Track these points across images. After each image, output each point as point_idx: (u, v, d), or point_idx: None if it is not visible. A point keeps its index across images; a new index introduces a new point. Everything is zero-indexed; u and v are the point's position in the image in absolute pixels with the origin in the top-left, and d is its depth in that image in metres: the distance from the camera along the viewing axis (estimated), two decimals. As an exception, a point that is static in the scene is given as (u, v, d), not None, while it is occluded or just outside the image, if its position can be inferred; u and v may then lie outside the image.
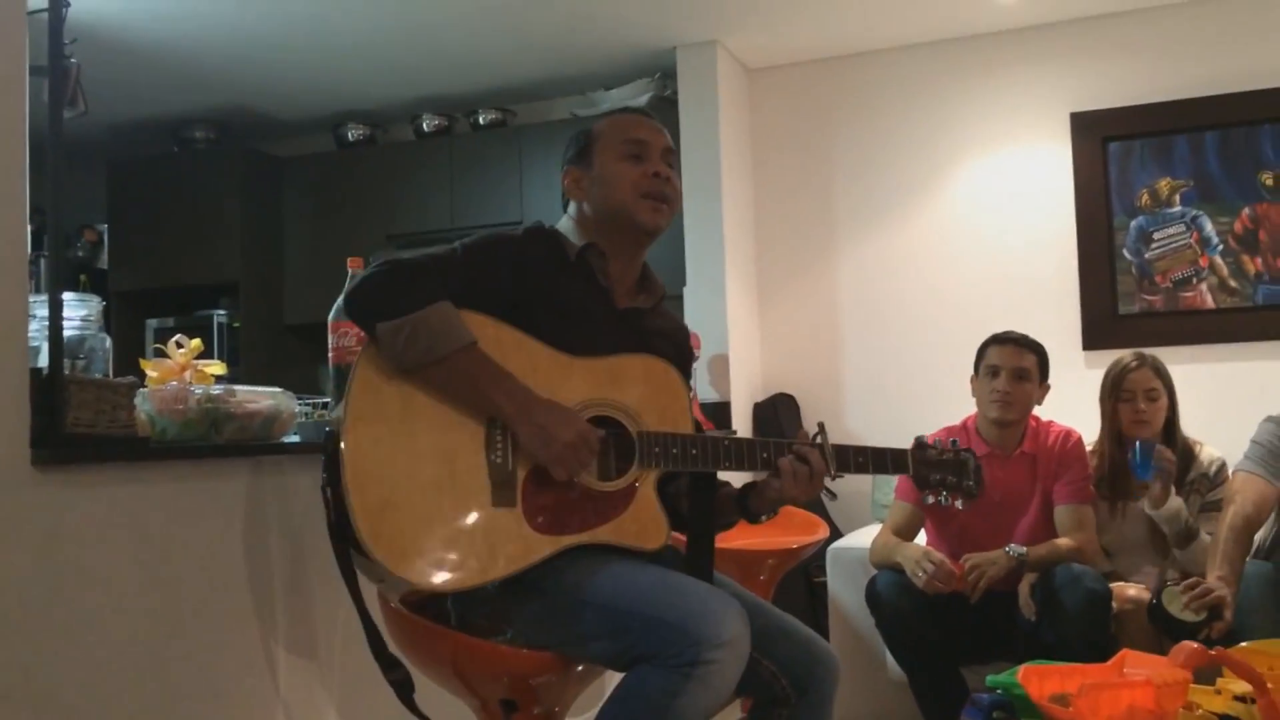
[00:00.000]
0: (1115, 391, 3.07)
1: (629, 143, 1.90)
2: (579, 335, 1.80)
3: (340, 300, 1.68)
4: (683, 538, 1.91)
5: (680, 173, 1.98)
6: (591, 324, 1.83)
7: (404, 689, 1.72)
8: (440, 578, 1.63)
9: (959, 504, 1.97)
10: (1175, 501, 2.88)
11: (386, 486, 1.62)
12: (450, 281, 1.72)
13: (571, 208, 1.96)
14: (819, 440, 1.86)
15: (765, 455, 1.84)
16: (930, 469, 1.95)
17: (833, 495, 1.97)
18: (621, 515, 1.76)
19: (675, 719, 1.55)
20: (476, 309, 1.73)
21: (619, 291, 1.93)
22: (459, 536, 1.64)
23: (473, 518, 1.66)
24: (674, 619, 1.58)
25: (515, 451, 1.71)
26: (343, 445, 1.61)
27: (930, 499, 1.96)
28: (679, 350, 2.01)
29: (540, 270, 1.83)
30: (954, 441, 2.02)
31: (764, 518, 1.93)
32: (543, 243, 1.88)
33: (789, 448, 1.83)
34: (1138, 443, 2.88)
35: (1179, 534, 2.89)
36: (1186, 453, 3.07)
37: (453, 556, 1.63)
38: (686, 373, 2.00)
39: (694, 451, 1.80)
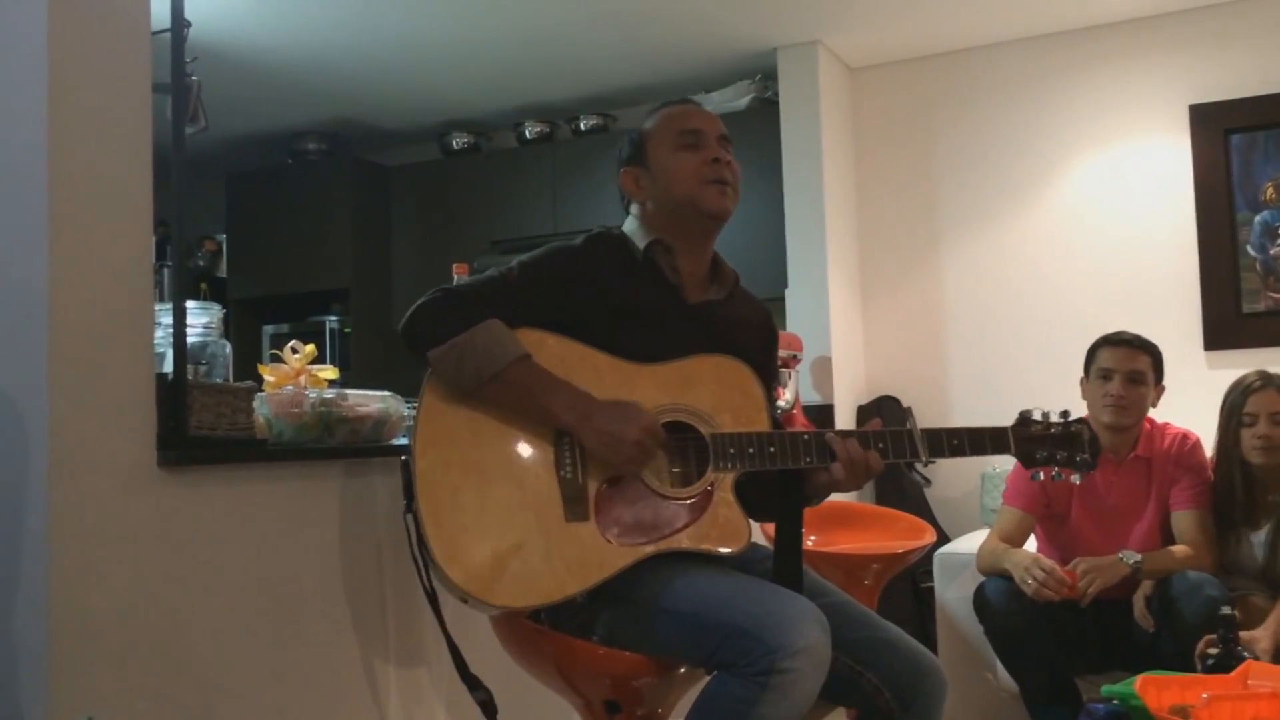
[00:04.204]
0: (1235, 415, 2.82)
1: (684, 133, 1.88)
2: (650, 339, 1.78)
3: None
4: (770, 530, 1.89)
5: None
6: (662, 325, 1.81)
7: (488, 710, 1.75)
8: (518, 597, 1.65)
9: (1075, 478, 1.86)
10: None
11: (460, 511, 1.64)
12: (508, 302, 1.72)
13: (634, 209, 1.94)
14: (909, 426, 1.81)
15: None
16: (1036, 445, 1.86)
17: (927, 481, 1.94)
18: (700, 520, 1.73)
19: None
20: (539, 326, 1.73)
21: (690, 286, 1.89)
22: (534, 555, 1.65)
23: (547, 535, 1.67)
24: (749, 626, 1.56)
25: (585, 465, 1.71)
26: (415, 477, 1.64)
27: (1040, 475, 1.87)
28: (762, 337, 1.97)
29: (604, 277, 1.81)
30: (1065, 412, 1.91)
31: (814, 501, 1.88)
32: (606, 248, 1.86)
33: (860, 439, 1.78)
34: None
35: None
36: None
37: (529, 575, 1.64)
38: (774, 356, 1.96)
39: (771, 449, 1.76)
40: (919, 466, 1.88)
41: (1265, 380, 2.82)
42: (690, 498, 1.74)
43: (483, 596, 1.62)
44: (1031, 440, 1.86)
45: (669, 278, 1.86)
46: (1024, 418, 1.88)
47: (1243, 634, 2.43)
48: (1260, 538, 2.83)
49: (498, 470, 1.68)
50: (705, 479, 1.75)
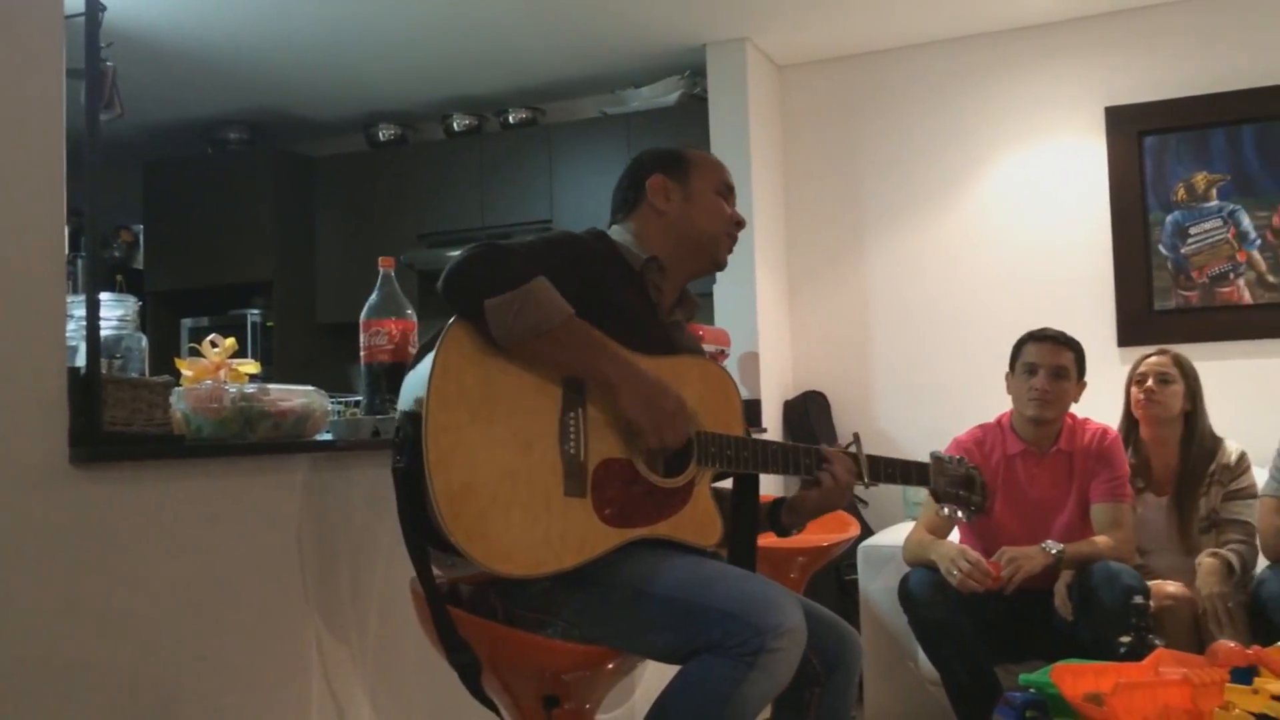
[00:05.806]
0: (1130, 376, 3.18)
1: (726, 185, 2.04)
2: (632, 338, 1.83)
3: (439, 283, 1.70)
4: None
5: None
6: (642, 330, 1.87)
7: (470, 673, 1.72)
8: (517, 563, 1.64)
9: (960, 516, 2.15)
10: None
11: (467, 471, 1.63)
12: (539, 267, 1.74)
13: (636, 220, 1.99)
14: (853, 449, 1.97)
15: (808, 461, 1.94)
16: (945, 481, 2.13)
17: (864, 503, 2.07)
18: (680, 512, 1.81)
19: (739, 706, 1.59)
20: None
21: (664, 307, 1.99)
22: (535, 524, 1.67)
23: (547, 506, 1.68)
24: (738, 610, 1.63)
25: (588, 443, 1.74)
26: (427, 428, 1.61)
27: (945, 511, 2.13)
28: None
29: (602, 272, 1.87)
30: (960, 459, 2.17)
31: (794, 531, 2.02)
32: (604, 247, 1.93)
33: (832, 455, 1.94)
34: None
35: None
36: (1212, 444, 3.09)
37: (529, 543, 1.66)
38: None
39: (746, 454, 1.88)
40: (859, 489, 2.01)
41: (1163, 351, 3.18)
42: (674, 488, 1.81)
43: (482, 559, 1.60)
44: (944, 476, 2.14)
45: (651, 295, 1.95)
46: (936, 457, 2.15)
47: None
48: (1161, 502, 3.09)
49: (506, 436, 1.68)
50: (688, 473, 1.82)
